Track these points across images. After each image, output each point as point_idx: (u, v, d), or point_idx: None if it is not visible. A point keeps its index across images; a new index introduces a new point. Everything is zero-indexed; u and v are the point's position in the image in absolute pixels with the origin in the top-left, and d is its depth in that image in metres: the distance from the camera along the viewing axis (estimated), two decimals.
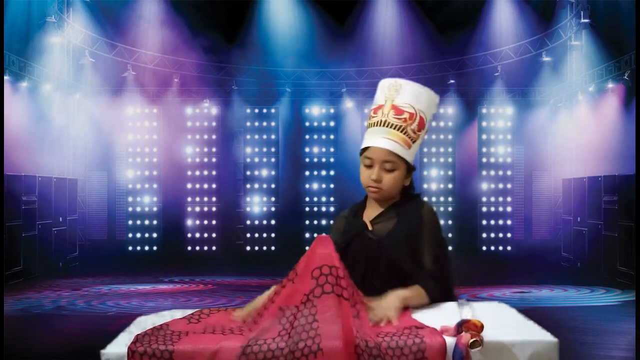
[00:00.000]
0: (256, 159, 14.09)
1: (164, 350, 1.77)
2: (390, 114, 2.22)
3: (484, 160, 13.85)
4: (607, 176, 10.08)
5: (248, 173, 14.10)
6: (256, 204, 14.04)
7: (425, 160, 13.83)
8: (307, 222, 14.04)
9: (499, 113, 13.81)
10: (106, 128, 13.49)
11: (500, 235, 13.77)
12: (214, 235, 13.97)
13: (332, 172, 14.05)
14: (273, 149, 14.09)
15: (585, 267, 10.81)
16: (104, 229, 14.05)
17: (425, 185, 13.74)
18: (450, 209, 13.84)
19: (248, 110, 14.07)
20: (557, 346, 1.77)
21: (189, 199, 13.97)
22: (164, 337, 1.84)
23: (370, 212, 2.31)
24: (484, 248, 13.72)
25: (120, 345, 1.82)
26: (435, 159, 13.91)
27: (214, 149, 14.00)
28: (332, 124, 14.14)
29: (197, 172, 13.99)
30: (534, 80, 13.61)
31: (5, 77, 10.23)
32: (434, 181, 13.89)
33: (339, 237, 2.27)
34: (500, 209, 13.81)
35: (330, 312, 1.80)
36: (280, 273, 2.11)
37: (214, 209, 13.98)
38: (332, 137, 14.12)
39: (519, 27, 13.19)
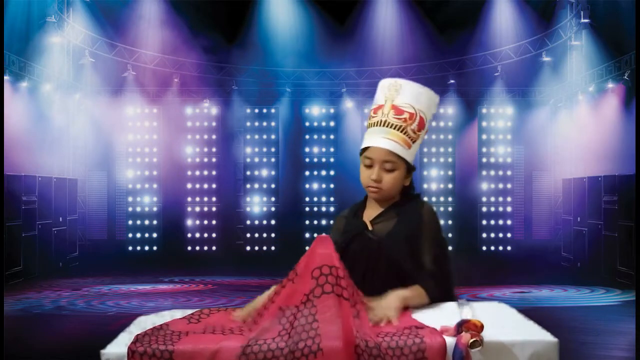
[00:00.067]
0: (256, 159, 14.09)
1: (164, 350, 1.77)
2: (390, 114, 2.22)
3: (484, 160, 13.85)
4: (607, 176, 10.07)
5: (248, 173, 14.09)
6: (256, 204, 14.04)
7: (425, 160, 13.83)
8: (307, 222, 14.04)
9: (499, 113, 13.81)
10: (106, 128, 13.49)
11: (500, 235, 13.76)
12: (214, 235, 13.97)
13: (332, 172, 14.05)
14: (273, 149, 14.08)
15: (585, 267, 10.81)
16: (104, 229, 14.05)
17: (425, 185, 13.74)
18: (450, 209, 13.84)
19: (248, 110, 14.07)
20: (557, 346, 1.77)
21: (189, 199, 13.96)
22: (164, 337, 1.84)
23: (370, 212, 2.31)
24: (484, 248, 13.72)
25: (120, 345, 1.82)
26: (435, 159, 13.91)
27: (214, 149, 13.99)
28: (332, 124, 14.13)
29: (197, 172, 13.98)
30: (534, 80, 13.61)
31: (5, 77, 10.23)
32: (434, 181, 13.88)
33: (339, 237, 2.27)
34: (500, 209, 13.81)
35: (330, 312, 1.80)
36: (280, 273, 2.11)
37: (214, 209, 13.97)
38: (332, 137, 14.12)
39: (519, 27, 13.19)
